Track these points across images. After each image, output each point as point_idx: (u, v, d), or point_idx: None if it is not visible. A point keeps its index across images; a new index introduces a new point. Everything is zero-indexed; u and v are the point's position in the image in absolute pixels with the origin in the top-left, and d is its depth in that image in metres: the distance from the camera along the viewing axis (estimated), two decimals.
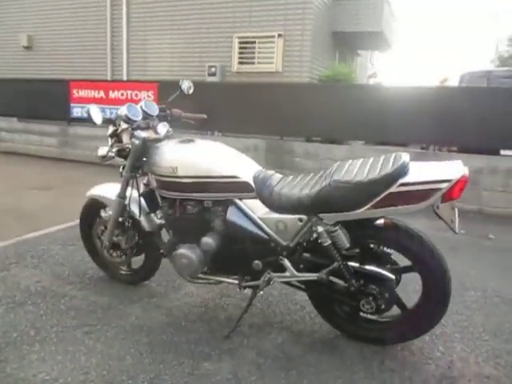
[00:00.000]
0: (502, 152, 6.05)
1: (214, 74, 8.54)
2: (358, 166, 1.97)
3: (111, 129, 2.27)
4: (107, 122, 2.22)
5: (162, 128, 2.37)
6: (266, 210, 2.09)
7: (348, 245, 1.96)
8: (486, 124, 5.56)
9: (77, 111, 8.03)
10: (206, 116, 2.59)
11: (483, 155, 5.67)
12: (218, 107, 6.51)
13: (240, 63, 8.82)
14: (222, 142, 2.39)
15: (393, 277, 1.99)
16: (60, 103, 8.06)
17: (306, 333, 2.28)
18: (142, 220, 2.45)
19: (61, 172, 6.77)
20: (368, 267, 2.00)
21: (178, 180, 2.13)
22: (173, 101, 2.47)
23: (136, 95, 7.66)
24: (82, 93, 8.01)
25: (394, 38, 11.56)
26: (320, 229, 1.96)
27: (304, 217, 1.98)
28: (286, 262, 2.10)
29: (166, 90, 6.54)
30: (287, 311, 2.49)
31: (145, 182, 2.44)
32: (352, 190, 1.85)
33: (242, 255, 2.18)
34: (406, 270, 2.06)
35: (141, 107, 2.30)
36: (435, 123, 5.73)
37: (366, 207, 1.84)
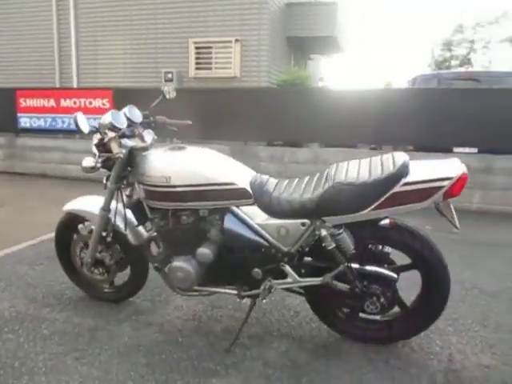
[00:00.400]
0: (455, 149, 6.38)
1: (170, 80, 8.37)
2: (357, 167, 1.97)
3: (96, 138, 2.13)
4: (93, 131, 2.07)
5: (148, 136, 2.26)
6: (265, 216, 2.04)
7: (353, 247, 1.95)
8: (437, 123, 5.85)
9: (25, 121, 7.57)
10: (190, 122, 2.51)
11: (440, 153, 5.96)
12: (178, 114, 6.36)
13: (197, 69, 8.71)
14: None
15: (395, 276, 2.01)
16: (5, 113, 7.56)
17: (306, 338, 2.25)
18: (129, 233, 2.32)
19: (11, 186, 6.32)
20: (370, 268, 2.01)
21: (171, 190, 2.03)
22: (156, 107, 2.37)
23: (90, 103, 7.31)
24: (31, 102, 7.55)
25: (347, 42, 11.91)
26: (324, 232, 1.94)
27: (307, 221, 1.96)
28: (288, 268, 2.06)
29: (122, 98, 6.32)
30: (283, 318, 2.44)
31: (127, 193, 2.31)
32: (356, 192, 1.84)
33: (240, 264, 2.12)
34: (406, 268, 2.08)
35: (124, 114, 2.18)
36: (388, 124, 5.94)
37: (370, 208, 1.85)
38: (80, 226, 2.48)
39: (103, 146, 2.11)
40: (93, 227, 2.37)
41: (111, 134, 2.07)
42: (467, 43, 38.07)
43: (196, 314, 2.47)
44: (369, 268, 2.01)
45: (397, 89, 7.27)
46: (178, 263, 2.10)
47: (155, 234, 2.19)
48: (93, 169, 2.07)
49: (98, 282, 2.58)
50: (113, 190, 2.23)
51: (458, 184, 1.79)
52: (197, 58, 8.68)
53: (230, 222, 2.07)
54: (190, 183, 2.01)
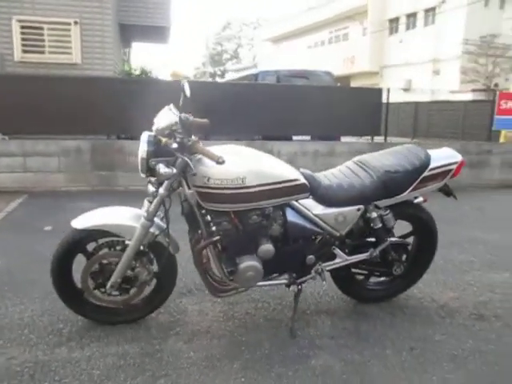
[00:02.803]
0: (294, 138, 7.44)
1: None
2: (387, 157, 2.39)
3: (151, 144, 1.95)
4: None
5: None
6: (321, 206, 2.25)
7: (394, 224, 2.37)
8: (279, 115, 6.69)
9: None
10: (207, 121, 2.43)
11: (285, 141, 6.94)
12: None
13: (25, 51, 7.37)
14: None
15: (410, 242, 2.53)
16: None
17: (336, 310, 2.58)
18: (171, 243, 2.16)
19: None
20: (397, 239, 2.48)
21: (245, 190, 2.02)
22: None
23: None
24: None
25: (178, 31, 11.86)
26: (374, 214, 2.29)
27: (361, 206, 2.27)
28: (338, 250, 2.34)
29: None
30: (311, 299, 2.68)
31: (182, 199, 2.15)
32: (401, 178, 2.26)
33: (296, 254, 2.28)
34: (407, 235, 2.62)
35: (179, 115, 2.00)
36: (239, 117, 6.45)
37: (409, 190, 2.30)
38: (88, 246, 2.16)
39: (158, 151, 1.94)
40: (127, 242, 2.10)
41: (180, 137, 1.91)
42: (236, 39, 42.42)
43: (236, 312, 2.49)
44: (395, 239, 2.47)
45: (244, 84, 7.88)
46: (249, 262, 2.12)
47: (216, 238, 2.11)
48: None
49: (112, 304, 2.28)
50: (164, 198, 2.04)
51: (459, 167, 2.41)
52: (24, 40, 7.34)
53: (291, 216, 2.20)
54: (264, 182, 2.05)
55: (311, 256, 2.29)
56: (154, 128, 2.00)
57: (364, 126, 6.98)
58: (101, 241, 2.18)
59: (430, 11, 24.33)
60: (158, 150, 1.98)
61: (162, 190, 2.02)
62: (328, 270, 2.39)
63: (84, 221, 2.09)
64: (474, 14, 21.29)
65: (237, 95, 6.54)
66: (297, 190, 2.17)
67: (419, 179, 2.30)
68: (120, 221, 2.10)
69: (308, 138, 7.53)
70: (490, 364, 2.05)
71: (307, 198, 2.23)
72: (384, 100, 7.03)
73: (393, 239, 2.44)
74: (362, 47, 27.36)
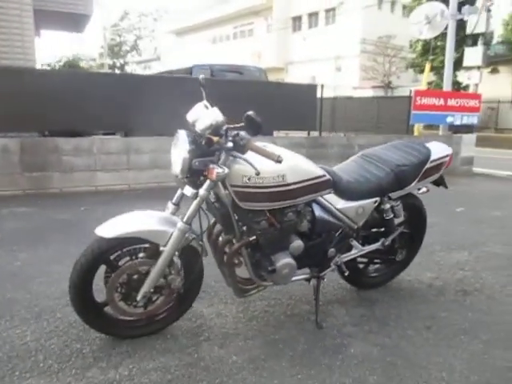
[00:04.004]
0: None
1: None
2: (392, 152, 2.54)
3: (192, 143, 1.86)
4: None
5: None
6: (342, 200, 2.32)
7: (402, 214, 2.54)
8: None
9: None
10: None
11: None
12: None
13: None
14: None
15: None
16: None
17: (348, 298, 2.69)
18: (204, 246, 2.08)
19: None
20: (400, 228, 2.66)
21: (285, 188, 2.01)
22: None
23: None
24: None
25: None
26: (387, 206, 2.44)
27: (378, 198, 2.39)
28: (355, 242, 2.45)
29: None
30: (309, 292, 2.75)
31: (213, 199, 2.09)
32: (411, 170, 2.44)
33: (320, 248, 2.33)
34: (403, 223, 2.82)
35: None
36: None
37: (415, 182, 2.48)
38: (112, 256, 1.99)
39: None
40: (162, 248, 1.96)
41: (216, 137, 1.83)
42: (136, 30, 40.88)
43: (254, 312, 2.47)
44: (399, 228, 2.65)
45: (178, 77, 7.65)
46: (285, 260, 2.12)
47: (252, 238, 2.06)
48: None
49: (135, 316, 2.12)
50: (204, 199, 1.94)
51: (451, 159, 2.66)
52: None
53: (318, 212, 2.24)
54: (301, 179, 2.06)
55: (332, 249, 2.36)
56: (197, 126, 1.88)
57: (302, 120, 7.24)
58: (125, 249, 2.01)
59: (331, 11, 25.86)
60: (197, 149, 1.88)
61: (202, 191, 1.92)
62: (344, 262, 2.49)
63: (113, 229, 1.91)
64: (370, 16, 23.15)
65: (170, 89, 6.33)
66: (324, 185, 2.21)
67: (423, 171, 2.50)
68: (153, 226, 1.96)
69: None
70: (497, 331, 2.32)
71: (330, 193, 2.29)
72: (319, 95, 7.35)
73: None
74: (267, 43, 28.10)
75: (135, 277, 2.00)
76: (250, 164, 1.81)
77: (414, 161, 2.47)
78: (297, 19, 28.16)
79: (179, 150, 1.90)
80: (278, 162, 1.78)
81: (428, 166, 2.52)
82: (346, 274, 2.48)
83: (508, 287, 2.92)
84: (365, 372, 1.94)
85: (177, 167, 1.91)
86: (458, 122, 8.59)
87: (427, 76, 10.23)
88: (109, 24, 36.49)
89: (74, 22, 8.85)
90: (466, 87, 13.66)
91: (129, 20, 41.81)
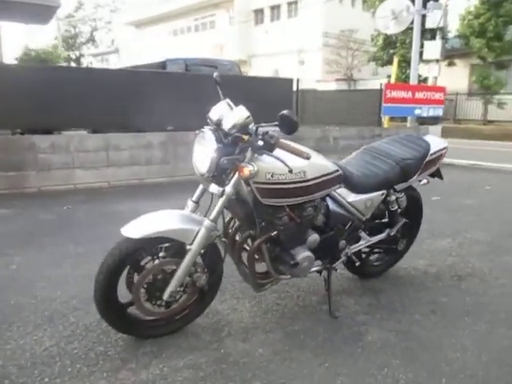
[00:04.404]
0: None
1: None
2: (395, 146, 2.65)
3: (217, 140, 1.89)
4: None
5: None
6: (352, 194, 2.40)
7: (405, 205, 2.65)
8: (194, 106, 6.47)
9: None
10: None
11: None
12: None
13: None
14: None
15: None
16: None
17: (352, 287, 2.80)
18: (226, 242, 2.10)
19: None
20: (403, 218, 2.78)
21: (305, 184, 2.07)
22: None
23: None
24: None
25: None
26: (393, 197, 2.54)
27: (385, 191, 2.49)
28: (363, 233, 2.54)
29: None
30: (313, 283, 2.83)
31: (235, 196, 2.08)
32: (414, 164, 2.55)
33: (333, 240, 2.41)
34: (402, 213, 2.94)
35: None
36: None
37: (417, 174, 2.60)
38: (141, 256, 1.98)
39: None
40: (188, 246, 1.96)
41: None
42: (91, 21, 39.50)
43: (267, 305, 2.53)
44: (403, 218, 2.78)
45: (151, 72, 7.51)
46: (305, 253, 2.18)
47: (274, 233, 2.10)
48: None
49: (159, 316, 2.12)
50: (230, 196, 1.96)
51: (445, 152, 2.80)
52: None
53: (332, 205, 2.32)
54: (319, 174, 2.12)
55: (343, 241, 2.45)
56: (224, 125, 1.89)
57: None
58: (151, 249, 2.00)
59: (293, 4, 26.00)
60: (224, 148, 1.90)
61: (229, 189, 1.94)
62: (353, 253, 2.58)
63: (139, 229, 1.89)
64: (331, 10, 23.48)
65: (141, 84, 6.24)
66: (337, 180, 2.29)
67: (424, 164, 2.62)
68: (179, 225, 1.96)
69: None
70: (497, 312, 2.49)
71: (341, 187, 2.36)
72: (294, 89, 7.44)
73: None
74: (229, 36, 27.90)
75: (160, 276, 1.99)
76: (282, 162, 1.85)
77: (417, 154, 2.59)
78: (259, 12, 28.11)
79: (206, 149, 1.90)
80: (306, 158, 1.82)
81: (428, 158, 2.64)
82: (357, 264, 2.58)
83: (494, 270, 3.13)
84: (387, 357, 2.04)
85: (203, 166, 1.92)
86: (425, 114, 8.96)
87: (396, 70, 10.54)
88: (62, 15, 34.97)
89: (41, 13, 8.43)
90: (425, 80, 14.17)
91: (84, 11, 40.24)
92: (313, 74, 23.59)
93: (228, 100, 2.02)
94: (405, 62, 18.63)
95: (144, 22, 34.58)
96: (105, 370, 1.88)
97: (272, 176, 1.98)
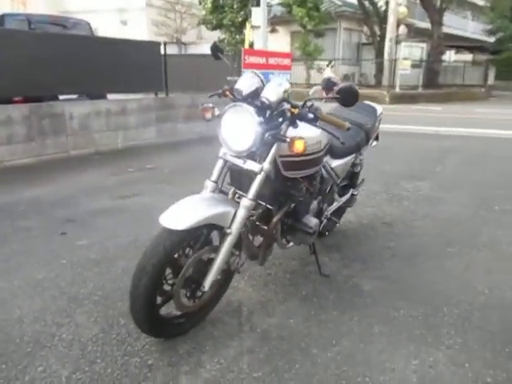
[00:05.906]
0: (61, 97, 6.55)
1: None
2: (356, 112, 2.83)
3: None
4: None
5: None
6: (332, 160, 2.53)
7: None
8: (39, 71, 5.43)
9: None
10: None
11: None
12: None
13: None
14: None
15: None
16: None
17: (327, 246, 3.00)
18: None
19: None
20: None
21: (320, 154, 2.12)
22: None
23: None
24: None
25: None
26: (358, 160, 2.78)
27: (354, 154, 2.70)
28: (336, 195, 2.74)
29: None
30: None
31: None
32: (374, 128, 2.83)
33: (320, 204, 2.53)
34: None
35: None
36: None
37: (373, 138, 2.89)
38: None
39: None
40: (228, 230, 1.81)
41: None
42: None
43: (262, 278, 2.55)
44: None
45: None
46: (314, 220, 2.25)
47: (293, 205, 2.10)
48: None
49: (191, 309, 1.94)
50: (268, 173, 1.87)
51: (382, 116, 3.16)
52: None
53: (325, 173, 2.43)
54: (326, 143, 2.19)
55: (325, 204, 2.60)
56: (268, 97, 1.76)
57: (147, 81, 6.84)
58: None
59: None
60: (265, 122, 1.79)
61: (267, 165, 1.85)
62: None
63: (181, 219, 1.66)
64: None
65: None
66: (330, 147, 2.39)
67: (376, 127, 2.93)
68: (217, 209, 1.78)
69: (75, 96, 6.73)
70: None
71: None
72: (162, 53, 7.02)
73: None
74: None
75: (199, 267, 1.82)
76: (333, 135, 1.85)
77: (373, 119, 2.87)
78: None
79: (244, 124, 1.76)
80: (347, 129, 1.86)
81: (377, 122, 2.96)
82: (338, 225, 2.77)
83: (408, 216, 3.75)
84: (393, 302, 2.31)
85: (244, 142, 1.78)
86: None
87: (249, 35, 10.81)
88: None
89: None
90: (251, 45, 14.86)
91: None
92: (138, 36, 22.27)
93: (255, 71, 1.88)
94: (233, 27, 19.23)
95: None
96: (164, 381, 1.67)
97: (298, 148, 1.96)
